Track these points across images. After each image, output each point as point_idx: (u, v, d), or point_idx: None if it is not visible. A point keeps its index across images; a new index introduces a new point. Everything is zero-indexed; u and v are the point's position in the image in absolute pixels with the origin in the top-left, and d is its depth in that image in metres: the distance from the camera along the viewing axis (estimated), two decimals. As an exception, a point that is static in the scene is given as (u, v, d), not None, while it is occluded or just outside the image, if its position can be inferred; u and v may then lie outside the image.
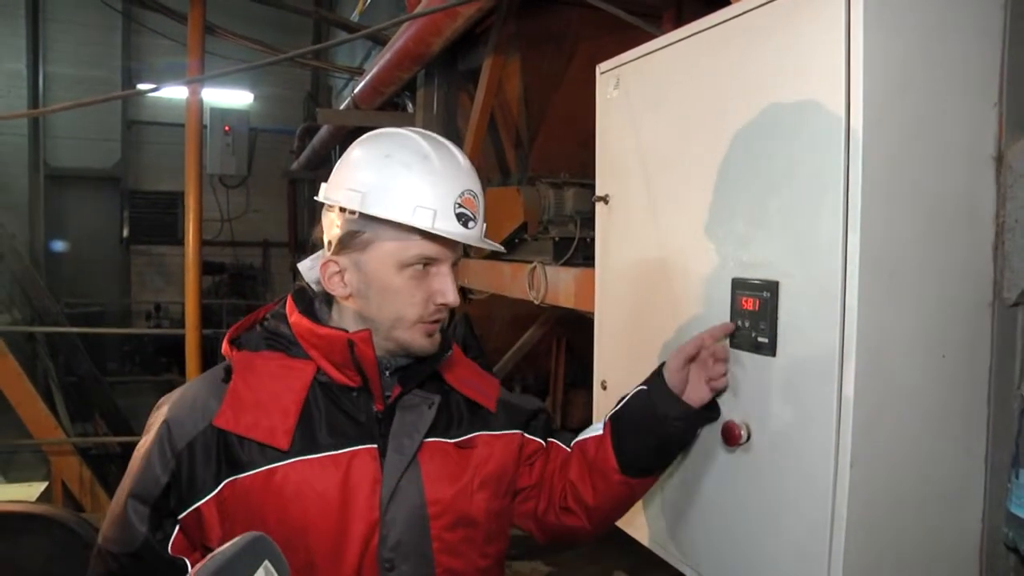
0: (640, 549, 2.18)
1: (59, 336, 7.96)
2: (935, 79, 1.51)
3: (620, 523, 2.24)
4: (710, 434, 1.78)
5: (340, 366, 1.46)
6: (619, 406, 1.72)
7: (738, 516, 1.74)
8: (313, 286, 1.58)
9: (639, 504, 2.12)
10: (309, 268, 1.56)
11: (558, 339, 5.92)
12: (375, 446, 1.46)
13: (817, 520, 1.51)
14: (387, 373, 1.51)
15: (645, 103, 2.09)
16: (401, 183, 1.39)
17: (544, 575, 5.08)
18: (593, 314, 2.50)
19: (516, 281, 3.72)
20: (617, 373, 2.26)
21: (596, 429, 1.74)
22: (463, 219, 1.43)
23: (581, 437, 1.75)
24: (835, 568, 1.48)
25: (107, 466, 7.37)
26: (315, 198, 1.52)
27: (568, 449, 1.75)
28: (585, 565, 5.12)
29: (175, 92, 10.10)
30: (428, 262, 1.44)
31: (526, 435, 1.71)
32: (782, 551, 1.62)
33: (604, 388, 2.35)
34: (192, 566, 1.39)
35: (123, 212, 12.78)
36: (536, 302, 3.46)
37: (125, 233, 12.83)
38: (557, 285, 3.31)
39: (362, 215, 1.40)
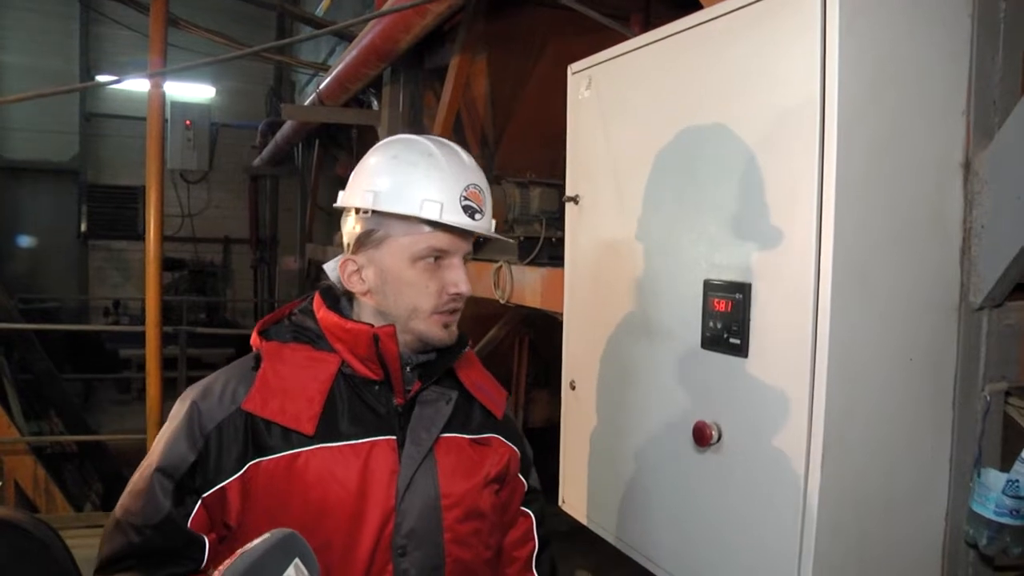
0: (604, 548, 2.19)
1: (14, 332, 7.79)
2: (906, 86, 1.53)
3: (587, 522, 2.25)
4: (681, 434, 1.79)
5: (364, 359, 1.52)
6: None
7: (708, 516, 1.76)
8: (337, 285, 1.63)
9: (607, 503, 2.14)
10: (332, 268, 1.62)
11: (521, 338, 5.92)
12: (394, 438, 1.52)
13: (788, 520, 1.53)
14: (408, 369, 1.57)
15: (617, 104, 2.10)
16: (409, 180, 1.47)
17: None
18: (559, 314, 2.50)
19: (481, 280, 3.71)
20: (586, 373, 2.27)
21: None
22: (469, 211, 1.49)
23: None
24: (805, 567, 1.50)
25: (63, 465, 7.23)
26: (334, 205, 1.59)
27: (534, 547, 1.80)
28: None
29: (136, 85, 9.94)
30: (439, 254, 1.50)
31: (519, 473, 1.77)
32: (752, 551, 1.64)
33: (572, 388, 2.36)
34: (209, 544, 1.44)
35: (81, 206, 12.55)
36: (502, 301, 3.45)
37: (83, 228, 12.60)
38: (523, 284, 3.30)
39: (375, 213, 1.48)
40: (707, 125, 1.75)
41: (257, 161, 11.18)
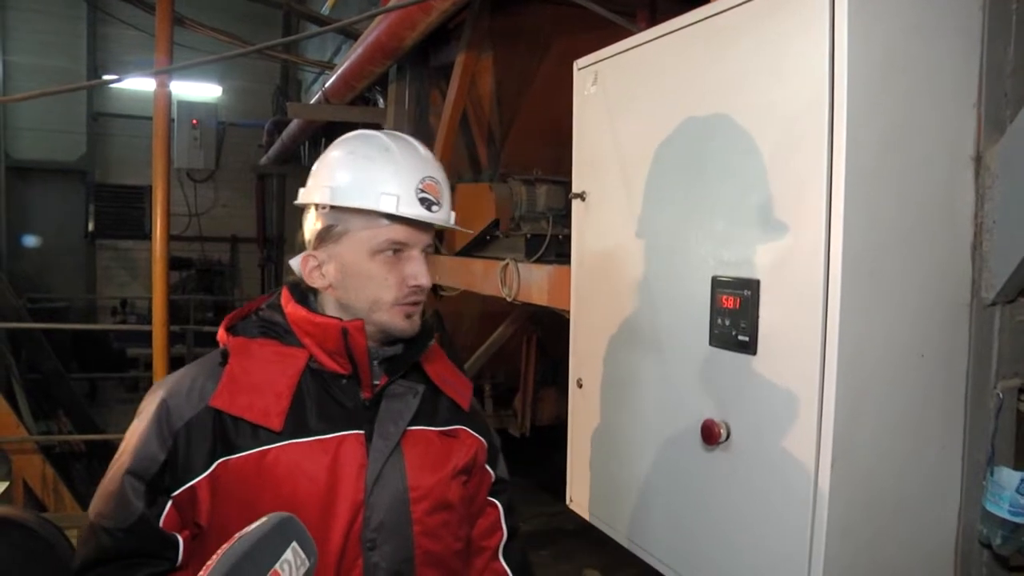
0: (612, 547, 2.18)
1: (22, 332, 7.80)
2: (917, 79, 1.51)
3: (594, 520, 2.24)
4: (689, 433, 1.77)
5: (332, 353, 1.53)
6: None
7: (716, 515, 1.74)
8: (303, 280, 1.64)
9: (614, 501, 2.12)
10: (297, 264, 1.62)
11: (528, 336, 5.90)
12: (362, 432, 1.52)
13: (797, 519, 1.52)
14: (375, 362, 1.57)
15: (623, 99, 2.08)
16: (366, 174, 1.49)
17: (515, 573, 5.06)
18: (566, 312, 2.49)
19: (488, 278, 3.70)
20: (593, 371, 2.25)
21: None
22: (426, 203, 1.50)
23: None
24: (815, 567, 1.49)
25: (71, 464, 7.24)
26: (295, 203, 1.60)
27: (502, 536, 1.79)
28: (558, 563, 5.11)
29: (143, 84, 9.94)
30: (399, 247, 1.51)
31: (487, 464, 1.78)
32: (761, 550, 1.62)
33: (580, 386, 2.34)
34: (183, 543, 1.45)
35: (88, 206, 12.57)
36: (508, 299, 3.44)
37: (91, 227, 12.63)
38: (530, 282, 3.29)
39: (333, 208, 1.50)
40: (714, 120, 1.73)
41: (264, 160, 11.17)
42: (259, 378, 1.49)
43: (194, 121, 11.80)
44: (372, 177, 1.48)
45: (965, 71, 1.56)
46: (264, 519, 1.10)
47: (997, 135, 1.57)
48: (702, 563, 1.80)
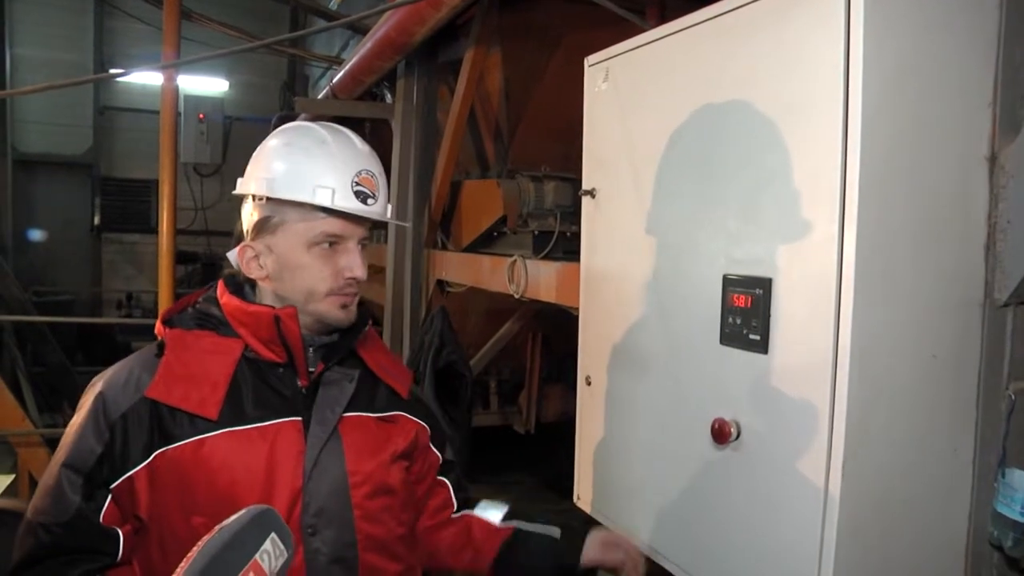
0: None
1: (27, 325, 7.82)
2: (931, 78, 1.50)
3: (604, 519, 2.23)
4: (699, 432, 1.76)
5: (267, 342, 1.54)
6: (526, 539, 1.82)
7: (726, 514, 1.73)
8: (239, 272, 1.66)
9: (623, 500, 2.12)
10: (234, 256, 1.63)
11: (534, 334, 5.90)
12: (300, 419, 1.54)
13: (808, 519, 1.51)
14: (311, 350, 1.60)
15: (635, 96, 2.07)
16: (302, 167, 1.50)
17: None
18: (575, 309, 2.48)
19: (496, 275, 3.70)
20: (602, 369, 2.24)
21: (491, 517, 1.84)
22: (361, 196, 1.53)
23: (474, 513, 1.85)
24: (825, 568, 1.48)
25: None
26: (233, 192, 1.63)
27: (453, 510, 1.85)
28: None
29: (150, 78, 9.95)
30: (334, 240, 1.53)
31: (431, 445, 1.81)
32: (771, 550, 1.62)
33: (588, 384, 2.34)
34: (124, 537, 1.46)
35: (95, 199, 12.58)
36: (516, 296, 3.44)
37: (96, 221, 12.64)
38: (538, 279, 3.29)
39: (270, 200, 1.52)
40: (726, 117, 1.73)
41: (270, 154, 11.15)
42: (195, 369, 1.50)
43: (200, 115, 11.79)
44: (308, 170, 1.50)
45: (980, 70, 1.55)
46: (243, 511, 1.11)
47: (1012, 135, 1.56)
48: (711, 562, 1.79)
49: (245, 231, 1.58)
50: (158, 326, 1.59)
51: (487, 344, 5.36)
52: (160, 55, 4.65)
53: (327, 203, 1.48)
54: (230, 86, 12.72)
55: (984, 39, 1.55)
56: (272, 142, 1.57)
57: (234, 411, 1.49)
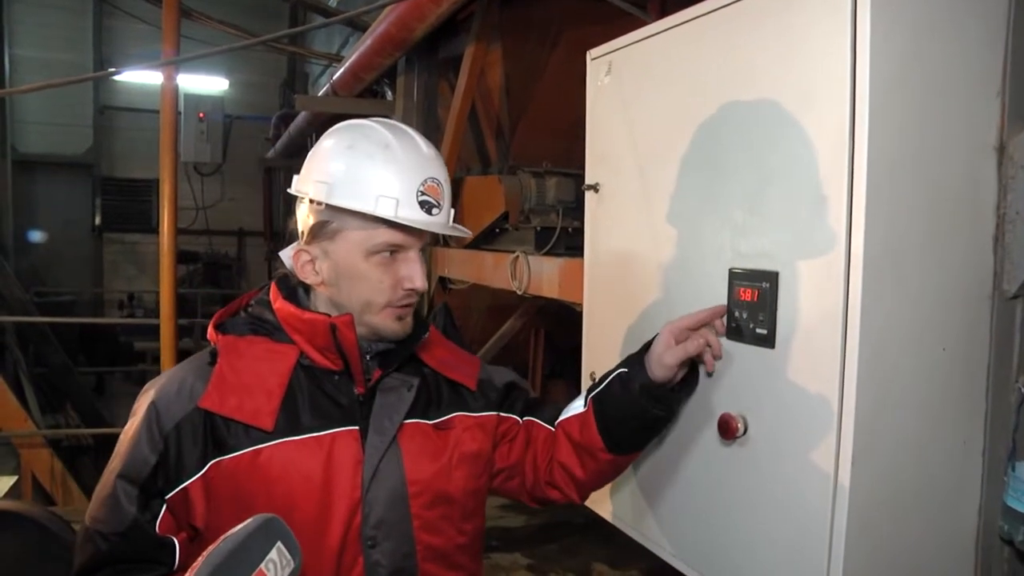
0: (620, 541, 2.16)
1: (29, 326, 7.82)
2: (939, 67, 1.48)
3: (608, 515, 2.22)
4: (706, 427, 1.75)
5: (323, 350, 1.50)
6: (601, 387, 1.77)
7: (733, 510, 1.72)
8: (292, 274, 1.62)
9: (628, 495, 2.10)
10: (288, 256, 1.60)
11: (536, 330, 5.90)
12: (356, 428, 1.50)
13: (816, 514, 1.49)
14: (367, 357, 1.55)
15: (638, 90, 2.06)
16: (364, 173, 1.44)
17: (524, 567, 5.05)
18: (578, 305, 2.46)
19: (498, 271, 3.69)
20: (606, 365, 2.22)
21: (577, 407, 1.79)
22: (426, 206, 1.46)
23: (564, 416, 1.80)
24: (835, 566, 1.46)
25: (79, 458, 7.25)
26: (287, 190, 1.57)
27: (550, 428, 1.81)
28: (565, 558, 5.09)
29: (149, 77, 9.94)
30: (395, 249, 1.48)
31: (501, 414, 1.76)
32: (779, 546, 1.60)
33: (592, 380, 2.32)
34: (180, 546, 1.44)
35: (95, 199, 12.61)
36: (519, 292, 3.43)
37: (97, 221, 12.65)
38: (540, 275, 3.28)
39: (328, 206, 1.45)
40: (731, 109, 1.71)
41: (271, 153, 11.16)
42: (249, 377, 1.48)
43: (200, 114, 11.77)
44: (370, 177, 1.43)
45: (989, 59, 1.53)
46: (249, 520, 1.11)
47: (1021, 125, 1.54)
48: (718, 558, 1.78)
49: (300, 232, 1.53)
50: (210, 331, 1.56)
51: (490, 341, 5.35)
52: (160, 54, 4.64)
53: (390, 215, 1.42)
54: (230, 85, 12.71)
55: (992, 27, 1.53)
56: (329, 142, 1.51)
57: (290, 420, 1.46)
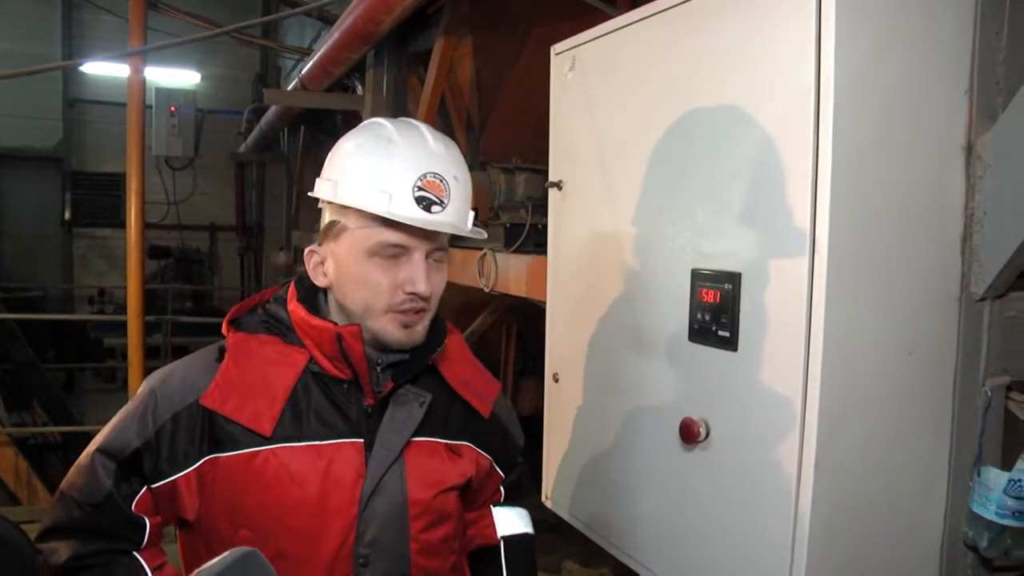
0: (591, 540, 2.13)
1: (-6, 322, 7.70)
2: (907, 64, 1.46)
3: (570, 518, 2.18)
4: (667, 431, 1.71)
5: (331, 358, 1.44)
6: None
7: (695, 517, 1.69)
8: None
9: (591, 499, 2.07)
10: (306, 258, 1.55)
11: (508, 327, 5.86)
12: (361, 441, 1.44)
13: (779, 521, 1.46)
14: (379, 367, 1.48)
15: (602, 85, 2.02)
16: (363, 169, 1.38)
17: (494, 566, 5.02)
18: (544, 303, 2.43)
19: (466, 268, 3.64)
20: (569, 366, 2.19)
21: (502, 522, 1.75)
22: (424, 203, 1.36)
23: (501, 532, 1.74)
24: (797, 570, 1.44)
25: (47, 456, 7.15)
26: (309, 193, 1.51)
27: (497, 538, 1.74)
28: (537, 556, 5.07)
29: (119, 70, 9.78)
30: (397, 251, 1.39)
31: (497, 468, 1.69)
32: (741, 553, 1.57)
33: (556, 381, 2.28)
34: (151, 528, 1.42)
35: (65, 194, 12.43)
36: (486, 290, 3.38)
37: (67, 215, 12.49)
38: (508, 273, 3.23)
39: (335, 205, 1.42)
40: (696, 106, 1.67)
41: (243, 147, 11.04)
42: (254, 379, 1.43)
43: (172, 108, 11.64)
44: (368, 171, 1.37)
45: (957, 57, 1.51)
46: (226, 553, 1.06)
47: (989, 123, 1.52)
48: (681, 566, 1.74)
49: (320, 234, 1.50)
50: (224, 326, 1.51)
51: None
52: (128, 46, 4.57)
53: (381, 210, 1.34)
54: (202, 79, 12.58)
55: (960, 26, 1.50)
56: (345, 144, 1.45)
57: (292, 425, 1.41)
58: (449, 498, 1.53)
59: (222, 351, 1.47)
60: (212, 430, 1.40)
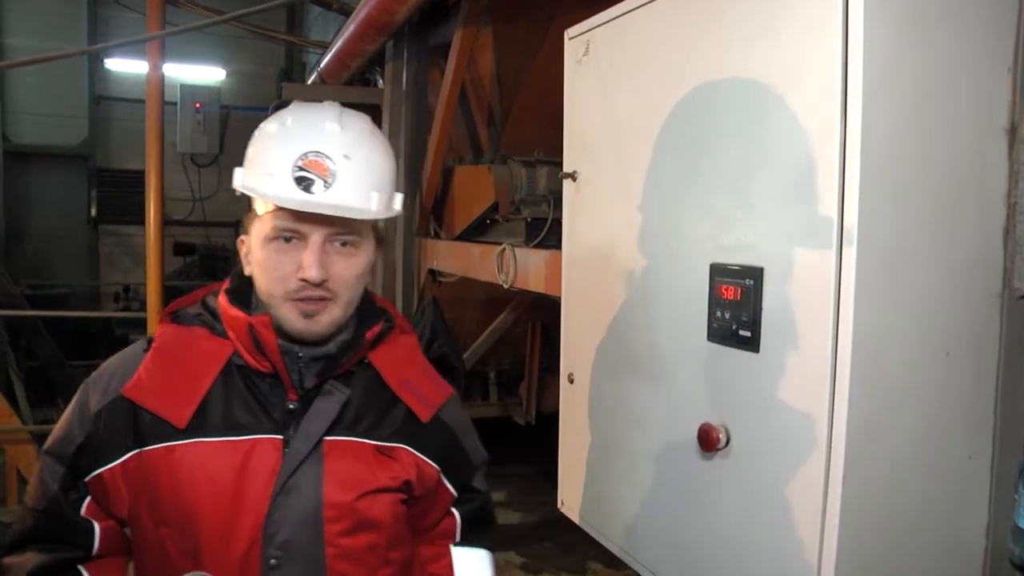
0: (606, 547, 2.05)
1: (20, 319, 7.75)
2: (944, 40, 1.36)
3: (585, 525, 2.10)
4: (685, 437, 1.61)
5: (250, 350, 1.40)
6: None
7: (715, 528, 1.60)
8: None
9: (606, 507, 1.98)
10: None
11: (533, 323, 5.79)
12: (280, 437, 1.38)
13: (805, 536, 1.38)
14: (301, 363, 1.41)
15: (617, 70, 1.92)
16: (256, 153, 1.36)
17: (517, 566, 4.96)
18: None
19: (485, 264, 3.58)
20: (585, 366, 2.10)
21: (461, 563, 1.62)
22: (304, 183, 1.30)
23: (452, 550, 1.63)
24: (824, 593, 1.33)
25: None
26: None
27: (454, 542, 1.62)
28: (559, 556, 4.99)
29: (143, 67, 9.82)
30: (292, 235, 1.34)
31: (445, 481, 1.56)
32: (765, 570, 1.47)
33: (571, 381, 2.19)
34: (100, 533, 1.40)
35: (91, 191, 12.52)
36: (505, 286, 3.31)
37: (93, 212, 12.58)
38: (527, 268, 3.16)
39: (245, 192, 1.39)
40: (715, 89, 1.58)
41: (267, 143, 11.06)
42: (175, 371, 1.39)
43: (197, 105, 11.69)
44: (259, 155, 1.34)
45: (999, 32, 1.40)
46: None
47: (1035, 103, 1.41)
48: (699, 580, 1.65)
49: None
50: (159, 317, 1.50)
51: (483, 334, 5.24)
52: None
53: (257, 191, 1.31)
54: (227, 75, 12.64)
55: (1003, -2, 1.39)
56: (255, 130, 1.43)
57: (211, 420, 1.37)
58: (378, 502, 1.43)
59: (150, 343, 1.44)
60: (136, 423, 1.37)
